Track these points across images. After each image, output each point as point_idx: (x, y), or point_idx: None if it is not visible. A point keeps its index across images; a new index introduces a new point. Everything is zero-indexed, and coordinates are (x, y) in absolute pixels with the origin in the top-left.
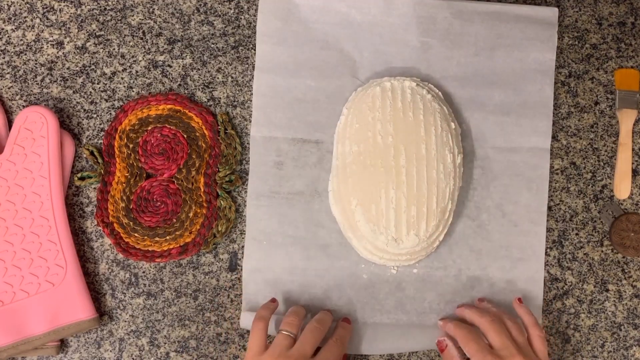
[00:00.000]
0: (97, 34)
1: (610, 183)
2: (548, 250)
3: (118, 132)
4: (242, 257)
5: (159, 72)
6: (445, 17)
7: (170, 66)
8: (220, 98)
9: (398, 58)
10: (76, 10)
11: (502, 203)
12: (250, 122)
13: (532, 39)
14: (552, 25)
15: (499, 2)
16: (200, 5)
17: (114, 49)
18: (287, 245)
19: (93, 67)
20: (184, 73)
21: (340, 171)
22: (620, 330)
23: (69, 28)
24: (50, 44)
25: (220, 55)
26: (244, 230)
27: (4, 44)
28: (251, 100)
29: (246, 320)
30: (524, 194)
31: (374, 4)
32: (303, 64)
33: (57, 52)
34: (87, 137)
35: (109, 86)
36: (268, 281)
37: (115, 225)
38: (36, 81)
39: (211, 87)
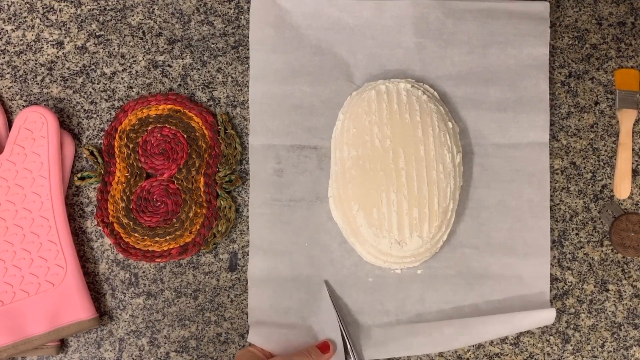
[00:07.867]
0: (97, 34)
1: (610, 183)
2: None
3: (118, 132)
4: (242, 258)
5: (159, 72)
6: (437, 16)
7: (170, 66)
8: (220, 98)
9: (392, 60)
10: (76, 10)
11: (504, 200)
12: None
13: (525, 35)
14: (544, 19)
15: (490, 0)
16: (200, 5)
17: (114, 49)
18: (291, 253)
19: (93, 67)
20: (184, 73)
21: (340, 176)
22: (620, 330)
23: (69, 28)
24: (50, 44)
25: (220, 55)
26: (244, 231)
27: (4, 44)
28: None
29: (254, 334)
30: (526, 189)
31: (365, 7)
32: (298, 70)
33: (57, 52)
34: (87, 137)
35: (109, 86)
36: (274, 291)
37: (115, 225)
38: (36, 81)
39: (211, 87)
